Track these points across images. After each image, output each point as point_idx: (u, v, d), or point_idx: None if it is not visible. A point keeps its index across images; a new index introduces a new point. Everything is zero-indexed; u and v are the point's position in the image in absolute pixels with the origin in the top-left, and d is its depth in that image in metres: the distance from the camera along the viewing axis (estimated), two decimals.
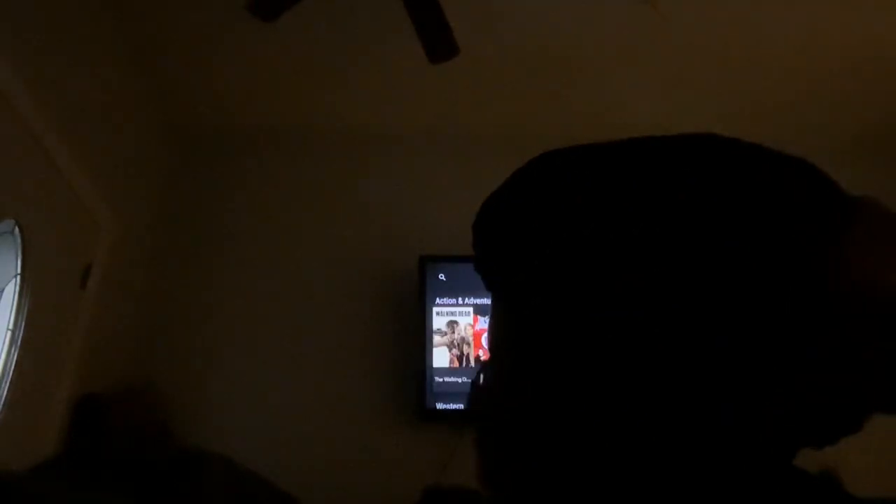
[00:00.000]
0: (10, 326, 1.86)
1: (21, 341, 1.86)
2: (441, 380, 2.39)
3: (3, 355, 1.83)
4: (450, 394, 2.37)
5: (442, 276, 2.53)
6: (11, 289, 1.88)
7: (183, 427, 2.28)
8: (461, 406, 2.36)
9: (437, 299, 2.50)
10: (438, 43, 2.05)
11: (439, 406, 2.36)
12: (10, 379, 1.82)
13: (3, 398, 1.79)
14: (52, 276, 2.02)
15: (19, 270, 1.89)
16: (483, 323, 2.46)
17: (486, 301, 2.59)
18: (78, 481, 0.52)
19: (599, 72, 2.59)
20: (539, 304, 0.40)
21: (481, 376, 0.46)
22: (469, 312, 2.49)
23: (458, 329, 2.48)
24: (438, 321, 2.48)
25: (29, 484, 0.48)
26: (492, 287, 0.46)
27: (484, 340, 2.48)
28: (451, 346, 2.45)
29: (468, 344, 2.46)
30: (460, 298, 2.50)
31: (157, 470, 0.55)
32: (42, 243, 1.94)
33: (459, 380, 2.39)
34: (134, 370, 2.40)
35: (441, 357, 2.43)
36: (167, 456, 0.60)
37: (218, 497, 0.55)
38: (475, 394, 0.47)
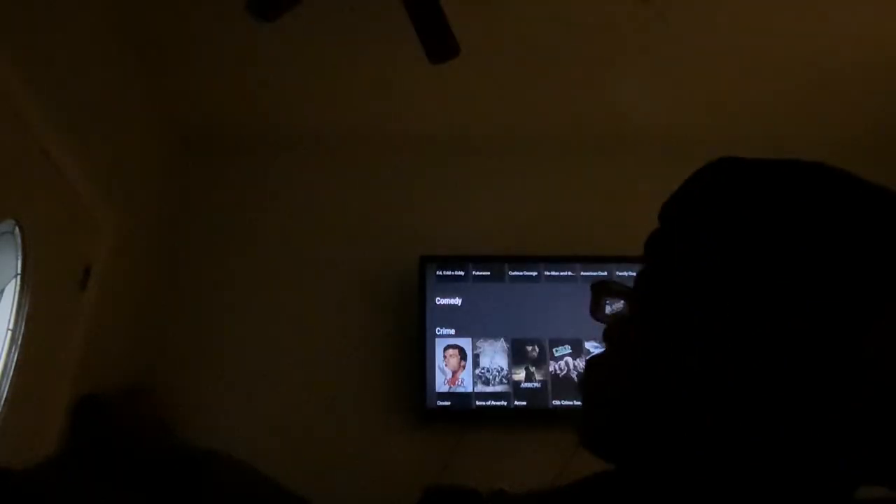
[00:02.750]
0: (10, 326, 1.85)
1: (21, 341, 1.86)
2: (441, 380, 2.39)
3: (3, 355, 1.83)
4: (450, 394, 2.38)
5: (441, 276, 2.53)
6: (11, 289, 1.88)
7: (183, 427, 2.28)
8: (461, 406, 2.36)
9: (437, 299, 2.50)
10: (438, 43, 2.05)
11: (439, 406, 2.36)
12: (10, 379, 1.82)
13: (3, 398, 1.79)
14: (52, 276, 2.02)
15: (19, 270, 1.89)
16: None
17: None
18: (82, 481, 0.52)
19: (599, 72, 2.59)
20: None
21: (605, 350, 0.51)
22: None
23: None
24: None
25: (33, 482, 0.48)
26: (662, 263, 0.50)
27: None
28: None
29: None
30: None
31: (164, 469, 0.55)
32: (42, 243, 1.94)
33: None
34: (134, 370, 2.40)
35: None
36: (174, 455, 0.59)
37: (229, 497, 0.55)
38: (601, 364, 0.51)
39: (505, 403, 2.38)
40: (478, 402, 2.38)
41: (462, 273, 2.54)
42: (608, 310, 0.52)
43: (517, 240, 2.65)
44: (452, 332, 2.47)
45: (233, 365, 2.49)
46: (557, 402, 2.39)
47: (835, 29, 2.37)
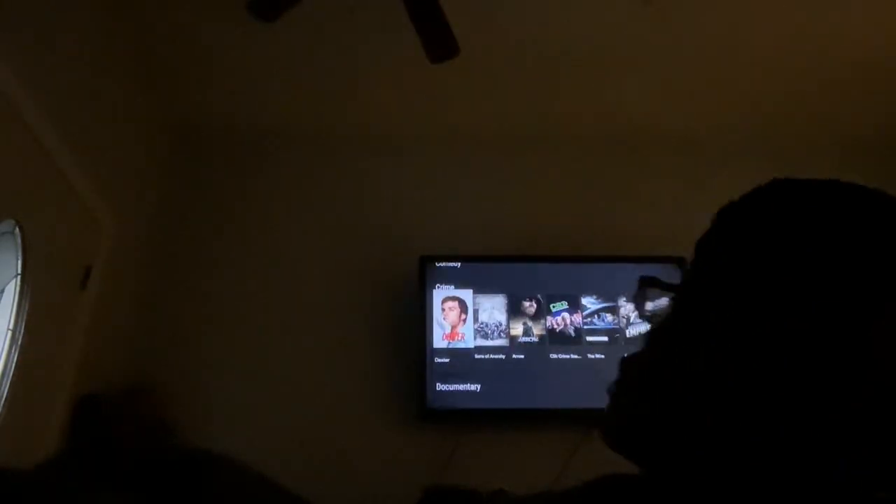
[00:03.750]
0: (10, 326, 1.86)
1: (21, 341, 1.86)
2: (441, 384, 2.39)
3: (3, 355, 1.83)
4: (449, 394, 2.38)
5: (441, 276, 2.54)
6: (11, 289, 1.88)
7: (183, 427, 2.28)
8: (460, 406, 2.36)
9: (437, 300, 2.50)
10: (438, 43, 2.05)
11: (439, 406, 2.36)
12: (10, 379, 1.82)
13: (3, 398, 1.79)
14: (52, 276, 2.02)
15: (19, 270, 1.89)
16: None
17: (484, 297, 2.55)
18: (83, 481, 0.52)
19: (599, 72, 2.59)
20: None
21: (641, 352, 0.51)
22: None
23: None
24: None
25: (33, 482, 0.48)
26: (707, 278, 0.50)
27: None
28: None
29: None
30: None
31: (164, 470, 0.55)
32: (42, 243, 1.94)
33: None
34: (134, 370, 2.40)
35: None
36: (174, 456, 0.60)
37: (228, 498, 0.55)
38: (638, 363, 0.51)
39: (503, 357, 2.41)
40: (477, 356, 2.40)
41: (462, 274, 2.54)
42: (650, 307, 0.52)
43: (517, 239, 2.65)
44: (451, 286, 2.51)
45: (232, 364, 2.49)
46: (555, 356, 2.41)
47: (836, 28, 2.38)
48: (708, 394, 0.44)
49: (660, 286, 0.52)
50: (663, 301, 0.52)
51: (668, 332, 0.49)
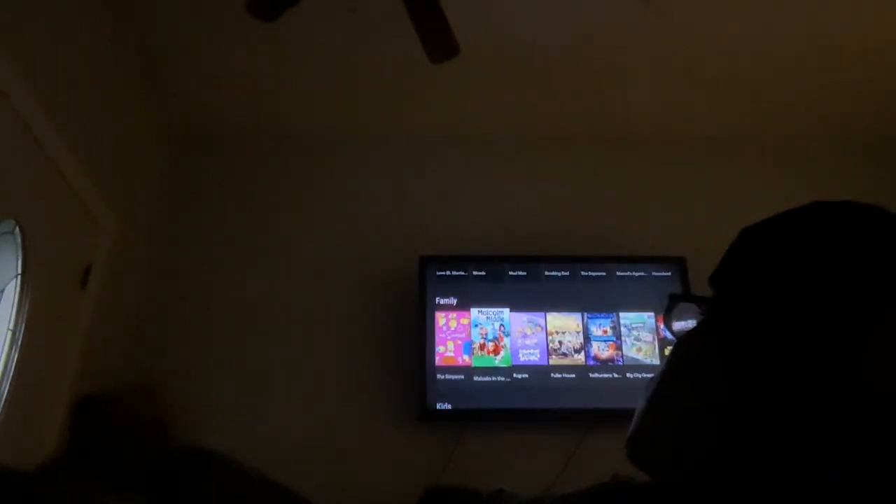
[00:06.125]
0: (11, 326, 1.86)
1: (21, 341, 1.86)
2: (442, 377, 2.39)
3: (4, 355, 1.83)
4: (450, 394, 2.37)
5: (441, 276, 2.53)
6: (11, 289, 1.88)
7: (183, 427, 2.27)
8: (461, 406, 2.36)
9: (438, 299, 2.50)
10: (438, 43, 2.05)
11: (439, 406, 2.36)
12: (10, 379, 1.82)
13: (3, 398, 1.80)
14: (52, 276, 2.02)
15: (19, 270, 1.89)
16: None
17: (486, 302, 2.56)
18: (83, 481, 0.52)
19: (599, 72, 2.59)
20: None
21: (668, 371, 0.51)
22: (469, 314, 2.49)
23: None
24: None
25: (34, 482, 0.48)
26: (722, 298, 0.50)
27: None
28: None
29: None
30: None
31: (164, 470, 0.55)
32: (42, 243, 1.94)
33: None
34: (134, 370, 2.40)
35: None
36: (174, 456, 0.60)
37: (228, 497, 0.55)
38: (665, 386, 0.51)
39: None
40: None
41: (463, 273, 2.54)
42: (677, 325, 0.52)
43: (517, 240, 2.65)
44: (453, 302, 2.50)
45: (232, 364, 2.49)
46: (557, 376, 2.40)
47: (838, 28, 2.37)
48: (703, 404, 0.45)
49: (691, 300, 0.52)
50: (691, 319, 0.52)
51: (683, 347, 0.50)
